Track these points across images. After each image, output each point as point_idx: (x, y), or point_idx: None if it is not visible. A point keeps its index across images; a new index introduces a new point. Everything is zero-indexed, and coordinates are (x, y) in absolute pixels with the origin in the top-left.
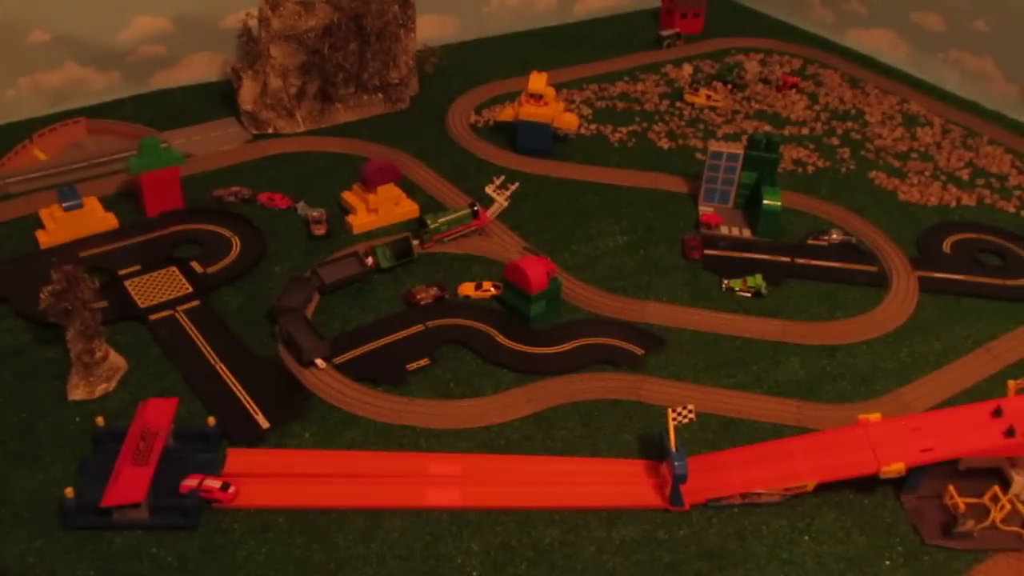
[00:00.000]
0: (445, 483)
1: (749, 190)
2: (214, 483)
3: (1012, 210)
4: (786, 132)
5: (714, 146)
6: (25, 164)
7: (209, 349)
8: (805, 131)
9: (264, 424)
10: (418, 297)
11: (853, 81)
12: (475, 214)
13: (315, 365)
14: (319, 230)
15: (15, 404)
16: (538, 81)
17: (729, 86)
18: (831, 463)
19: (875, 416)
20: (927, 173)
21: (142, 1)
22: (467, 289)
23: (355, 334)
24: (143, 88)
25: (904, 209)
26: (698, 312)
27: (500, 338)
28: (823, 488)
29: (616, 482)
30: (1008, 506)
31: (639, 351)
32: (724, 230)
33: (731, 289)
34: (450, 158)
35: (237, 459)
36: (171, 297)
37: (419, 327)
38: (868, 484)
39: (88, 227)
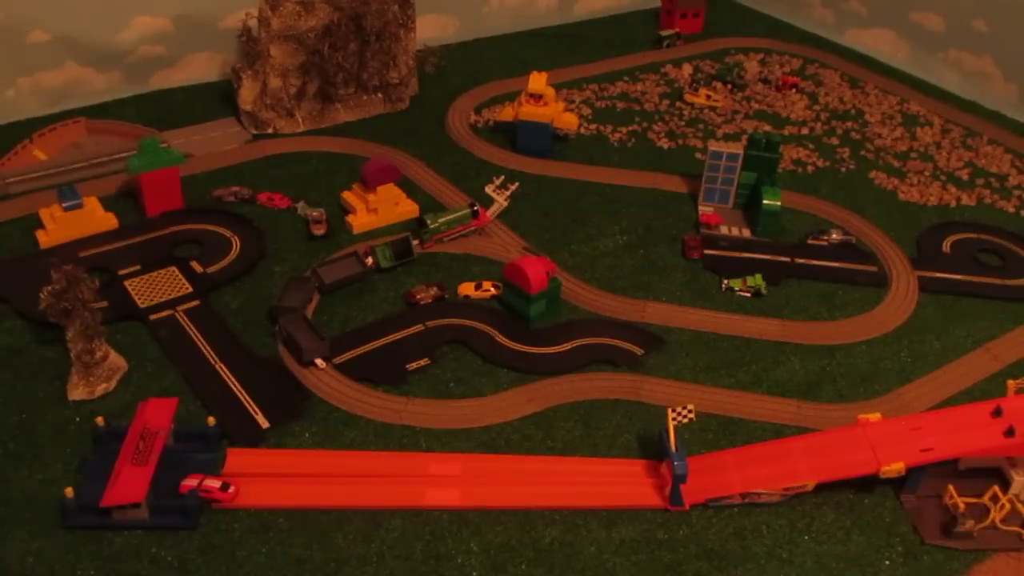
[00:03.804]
0: (445, 483)
1: (749, 190)
2: (214, 483)
3: (1011, 210)
4: (786, 132)
5: (714, 146)
6: (25, 164)
7: (209, 349)
8: (805, 131)
9: (264, 424)
10: (418, 297)
11: (853, 81)
12: (475, 214)
13: (315, 365)
14: (319, 230)
15: (15, 404)
16: (538, 81)
17: (729, 86)
18: (831, 463)
19: (875, 416)
20: (927, 173)
21: (142, 1)
22: (467, 289)
23: (355, 334)
24: (143, 88)
25: (904, 209)
26: (698, 312)
27: (500, 338)
28: (823, 488)
29: (616, 482)
30: (1008, 506)
31: (639, 351)
32: (724, 230)
33: (731, 289)
34: (450, 158)
35: (237, 459)
36: (171, 297)
37: (419, 327)
38: (868, 484)
39: (88, 227)
